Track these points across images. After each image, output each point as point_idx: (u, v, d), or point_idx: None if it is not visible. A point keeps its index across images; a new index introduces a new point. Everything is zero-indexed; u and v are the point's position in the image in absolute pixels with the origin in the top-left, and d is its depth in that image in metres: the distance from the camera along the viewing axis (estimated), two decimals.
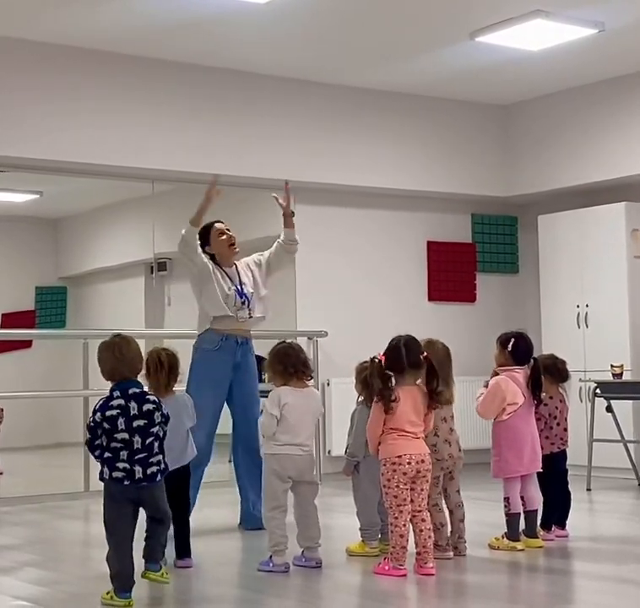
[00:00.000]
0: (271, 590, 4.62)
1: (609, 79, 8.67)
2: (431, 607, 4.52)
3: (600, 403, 7.89)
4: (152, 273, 8.53)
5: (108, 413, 4.25)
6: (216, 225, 6.26)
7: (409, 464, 4.79)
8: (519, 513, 5.38)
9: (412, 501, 4.81)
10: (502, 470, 5.42)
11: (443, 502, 5.20)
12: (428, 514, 4.87)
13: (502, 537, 5.38)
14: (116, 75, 7.76)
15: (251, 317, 6.15)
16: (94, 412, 4.28)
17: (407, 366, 4.86)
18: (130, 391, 4.31)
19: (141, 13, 6.97)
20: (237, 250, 6.26)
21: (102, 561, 4.32)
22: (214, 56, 7.92)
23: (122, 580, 4.24)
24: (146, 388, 4.54)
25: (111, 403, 4.27)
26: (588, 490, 7.67)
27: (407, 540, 4.77)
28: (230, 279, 6.17)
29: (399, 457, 4.79)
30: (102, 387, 7.68)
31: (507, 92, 9.15)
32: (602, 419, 7.88)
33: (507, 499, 5.38)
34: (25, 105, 7.41)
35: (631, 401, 8.12)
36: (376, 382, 4.84)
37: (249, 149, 8.28)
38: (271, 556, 4.91)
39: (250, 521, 6.13)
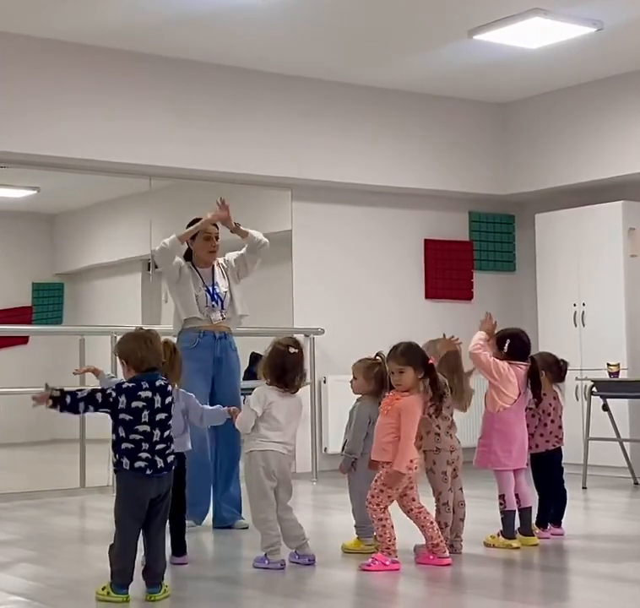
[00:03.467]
0: (267, 587, 4.62)
1: (607, 78, 8.67)
2: (427, 604, 4.52)
3: (596, 401, 7.90)
4: (149, 269, 8.51)
5: (134, 404, 4.24)
6: (209, 227, 6.23)
7: (411, 470, 4.87)
8: (514, 511, 5.38)
9: (412, 499, 4.91)
10: (490, 462, 5.42)
11: (452, 501, 5.20)
12: (426, 506, 4.95)
13: (498, 535, 5.38)
14: (114, 71, 7.76)
15: (223, 318, 6.15)
16: (119, 391, 4.23)
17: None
18: (157, 383, 4.31)
19: (139, 10, 6.96)
20: (215, 258, 6.26)
21: (98, 557, 4.32)
22: (212, 52, 7.91)
23: (122, 576, 4.23)
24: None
25: (139, 393, 4.26)
26: (584, 488, 7.68)
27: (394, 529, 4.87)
28: (202, 279, 6.18)
29: (411, 461, 4.86)
30: (98, 383, 7.72)
31: (505, 90, 9.15)
32: (598, 417, 7.89)
33: (502, 496, 5.38)
34: (23, 101, 7.41)
35: (627, 400, 8.13)
36: (439, 385, 4.93)
37: (247, 146, 8.28)
38: (266, 554, 4.91)
39: (220, 520, 6.15)
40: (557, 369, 5.80)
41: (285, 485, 5.00)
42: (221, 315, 6.16)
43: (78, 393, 4.24)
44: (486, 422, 5.47)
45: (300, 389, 5.06)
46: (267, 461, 4.93)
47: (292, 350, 4.97)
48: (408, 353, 4.93)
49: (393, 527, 4.86)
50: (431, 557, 4.93)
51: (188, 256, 6.30)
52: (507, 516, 5.36)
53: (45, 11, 6.97)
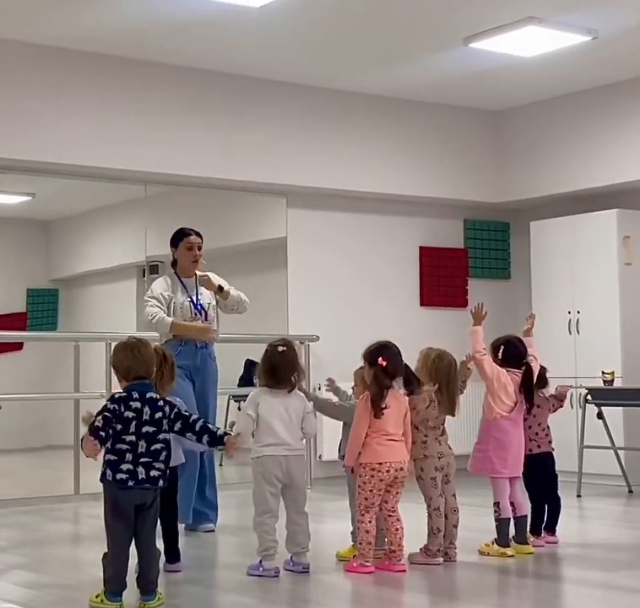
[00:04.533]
0: (261, 595, 4.61)
1: (601, 86, 8.69)
2: None
3: (591, 409, 7.90)
4: (144, 275, 8.51)
5: (126, 414, 4.24)
6: (190, 237, 6.31)
7: (388, 471, 4.92)
8: (509, 519, 5.39)
9: (386, 502, 4.97)
10: (485, 468, 5.43)
11: (443, 507, 5.19)
12: (400, 514, 4.99)
13: (492, 543, 5.38)
14: (110, 77, 7.76)
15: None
16: (114, 401, 4.24)
17: (399, 372, 5.02)
18: (147, 395, 4.30)
19: (135, 16, 6.96)
20: (197, 267, 6.34)
21: (91, 563, 4.31)
22: (208, 59, 7.91)
23: (115, 583, 4.23)
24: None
25: (130, 403, 4.26)
26: (579, 496, 7.67)
27: (373, 536, 4.91)
28: (186, 289, 6.27)
29: (380, 464, 4.91)
30: (93, 389, 7.73)
31: (500, 98, 9.16)
32: (593, 425, 7.89)
33: (497, 504, 5.38)
34: (18, 107, 7.40)
35: (621, 408, 8.13)
36: (374, 387, 4.96)
37: (243, 152, 8.28)
38: (261, 561, 4.91)
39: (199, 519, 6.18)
40: (538, 376, 5.80)
41: (295, 487, 4.99)
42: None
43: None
44: (483, 428, 5.48)
45: (296, 387, 5.04)
46: (265, 467, 4.93)
47: (280, 348, 5.01)
48: (368, 351, 5.04)
49: (367, 532, 4.90)
50: (387, 563, 4.97)
51: (173, 263, 6.41)
52: (501, 524, 5.36)
53: (41, 17, 6.97)
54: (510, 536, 5.39)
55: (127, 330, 7.89)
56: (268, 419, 4.95)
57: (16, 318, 9.23)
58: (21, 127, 7.40)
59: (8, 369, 9.03)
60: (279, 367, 4.99)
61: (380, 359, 4.96)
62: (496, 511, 5.38)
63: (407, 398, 5.07)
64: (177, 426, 4.36)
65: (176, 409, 4.39)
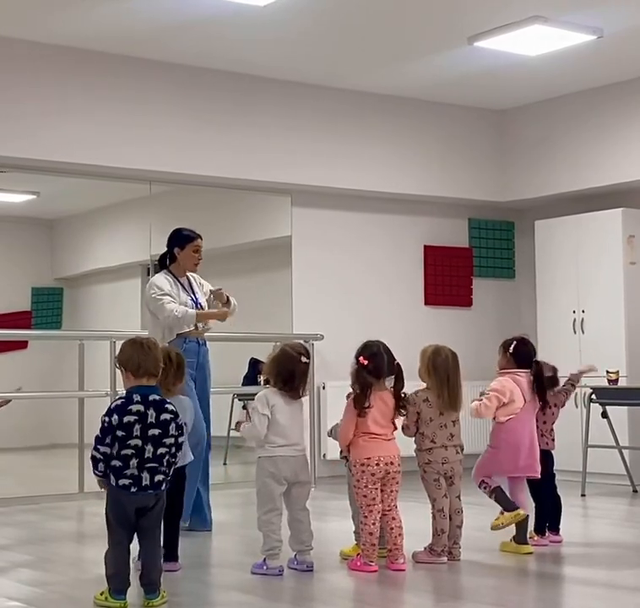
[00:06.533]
0: (264, 593, 4.61)
1: (606, 85, 8.68)
2: None
3: (596, 408, 7.89)
4: (148, 274, 8.51)
5: (125, 419, 4.19)
6: (198, 240, 6.35)
7: (377, 465, 4.94)
8: (500, 486, 5.42)
9: (382, 501, 4.97)
10: (496, 468, 5.44)
11: (448, 508, 5.19)
12: (398, 513, 5.01)
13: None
14: (115, 76, 7.77)
15: (204, 326, 6.31)
16: (111, 413, 4.21)
17: (386, 372, 5.04)
18: (150, 397, 4.27)
19: (140, 15, 6.97)
20: (197, 269, 6.43)
21: (95, 562, 4.31)
22: (213, 58, 7.92)
23: (118, 581, 4.23)
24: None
25: (130, 407, 4.21)
26: (583, 495, 7.67)
27: (376, 538, 4.94)
28: (185, 290, 6.31)
29: (368, 458, 4.95)
30: (97, 388, 7.74)
31: (504, 97, 9.16)
32: (597, 425, 7.89)
33: (482, 482, 5.41)
34: (23, 105, 7.41)
35: (626, 407, 8.12)
36: (356, 387, 5.02)
37: (247, 151, 8.29)
38: (265, 559, 4.91)
39: (201, 522, 6.16)
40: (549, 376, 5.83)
41: (301, 485, 5.01)
42: (204, 324, 6.31)
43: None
44: (495, 432, 5.51)
45: (302, 398, 5.09)
46: (276, 466, 4.94)
47: (304, 359, 5.04)
48: (356, 352, 5.09)
49: (371, 534, 4.91)
50: (388, 562, 4.99)
51: (163, 265, 6.40)
52: (496, 492, 5.39)
53: (45, 16, 6.97)
54: (515, 503, 5.41)
55: (132, 329, 7.91)
56: (282, 421, 4.97)
57: (21, 317, 9.24)
58: (26, 125, 7.41)
59: (13, 367, 9.04)
60: (298, 377, 5.01)
61: (361, 358, 5.02)
62: (485, 488, 5.40)
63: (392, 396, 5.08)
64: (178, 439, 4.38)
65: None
